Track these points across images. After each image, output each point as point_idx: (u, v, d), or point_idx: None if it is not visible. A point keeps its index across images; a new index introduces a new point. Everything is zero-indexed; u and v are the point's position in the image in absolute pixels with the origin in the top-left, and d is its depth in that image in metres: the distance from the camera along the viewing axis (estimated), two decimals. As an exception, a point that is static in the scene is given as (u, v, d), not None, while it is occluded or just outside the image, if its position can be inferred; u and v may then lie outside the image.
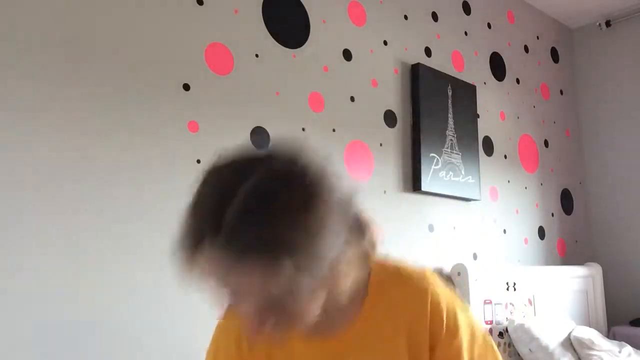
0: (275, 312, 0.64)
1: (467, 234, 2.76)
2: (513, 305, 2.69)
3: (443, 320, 0.77)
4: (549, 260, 3.26)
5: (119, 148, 1.66)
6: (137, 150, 1.69)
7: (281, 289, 0.61)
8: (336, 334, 0.76)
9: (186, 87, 1.84)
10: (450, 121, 2.72)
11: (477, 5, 3.08)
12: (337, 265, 0.66)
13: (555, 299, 2.93)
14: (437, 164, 2.60)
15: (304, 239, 0.61)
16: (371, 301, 0.78)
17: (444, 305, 0.78)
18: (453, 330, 0.78)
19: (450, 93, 2.74)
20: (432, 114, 2.64)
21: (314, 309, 0.67)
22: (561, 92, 3.65)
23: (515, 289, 2.72)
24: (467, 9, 3.02)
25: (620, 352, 2.68)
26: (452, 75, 2.80)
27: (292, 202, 0.61)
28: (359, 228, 0.71)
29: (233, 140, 1.89)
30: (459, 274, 2.52)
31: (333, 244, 0.64)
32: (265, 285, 0.61)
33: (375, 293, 0.79)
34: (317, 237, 0.61)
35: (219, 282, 0.64)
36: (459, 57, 2.91)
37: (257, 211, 0.60)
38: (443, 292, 0.80)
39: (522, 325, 2.55)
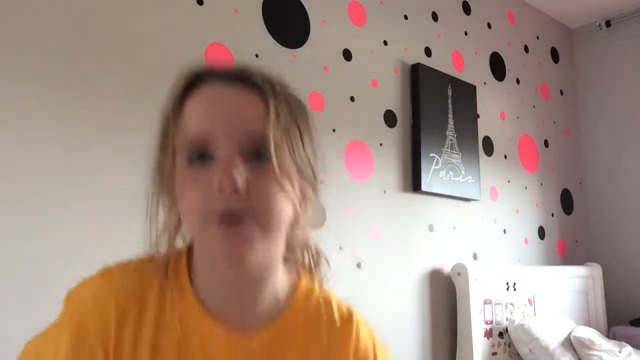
0: (259, 180, 0.58)
1: (467, 234, 2.76)
2: (513, 305, 2.69)
3: (369, 354, 0.71)
4: (549, 260, 3.26)
5: (118, 148, 1.66)
6: (137, 151, 1.69)
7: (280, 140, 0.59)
8: (255, 334, 0.65)
9: (186, 87, 1.83)
10: (450, 121, 2.72)
11: (477, 5, 3.08)
12: (304, 210, 0.63)
13: (555, 299, 2.93)
14: (437, 164, 2.60)
15: (313, 144, 0.65)
16: (295, 307, 0.69)
17: (370, 339, 0.73)
18: None
19: (450, 93, 2.74)
20: (432, 114, 2.64)
21: (283, 219, 0.60)
22: (561, 92, 3.65)
23: (515, 289, 2.72)
24: (467, 9, 3.02)
25: (620, 352, 2.68)
26: (452, 75, 2.80)
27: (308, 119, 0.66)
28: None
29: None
30: (459, 274, 2.52)
31: (320, 167, 0.66)
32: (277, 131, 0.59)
33: (301, 300, 0.69)
34: (316, 157, 0.65)
35: (221, 111, 0.60)
36: (459, 57, 2.91)
37: (287, 92, 0.64)
38: (369, 327, 0.74)
39: (522, 325, 2.55)
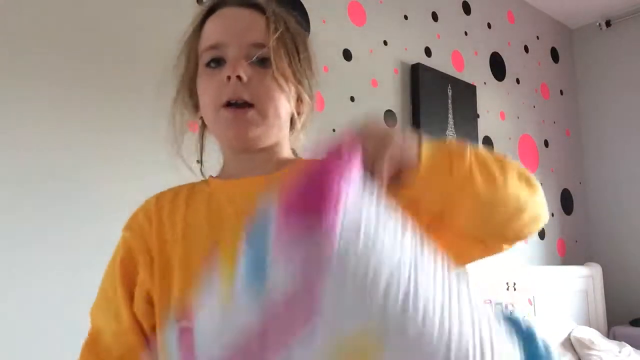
0: (259, 77, 0.71)
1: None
2: (513, 305, 2.69)
3: None
4: (549, 260, 3.26)
5: (118, 148, 1.66)
6: (137, 151, 1.69)
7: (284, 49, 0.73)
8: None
9: (186, 87, 1.83)
10: (450, 121, 2.72)
11: (477, 5, 3.08)
12: (302, 107, 0.77)
13: (555, 299, 2.93)
14: (437, 164, 2.60)
15: (310, 55, 0.78)
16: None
17: None
18: None
19: (450, 93, 2.74)
20: (432, 114, 2.64)
21: (280, 110, 0.73)
22: (561, 92, 3.65)
23: (515, 289, 2.72)
24: (467, 9, 3.02)
25: (620, 352, 2.68)
26: (452, 75, 2.80)
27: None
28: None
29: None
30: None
31: (315, 81, 0.78)
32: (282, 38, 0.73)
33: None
34: (314, 62, 0.79)
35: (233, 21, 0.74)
36: (459, 57, 2.91)
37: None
38: None
39: (522, 325, 2.54)
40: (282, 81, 0.72)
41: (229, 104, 0.71)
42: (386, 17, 2.57)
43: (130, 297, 0.71)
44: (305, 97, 0.76)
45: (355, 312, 0.46)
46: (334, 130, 2.25)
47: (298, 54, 0.75)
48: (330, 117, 2.25)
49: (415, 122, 2.58)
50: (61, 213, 1.54)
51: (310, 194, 0.49)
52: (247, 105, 0.71)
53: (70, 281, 1.51)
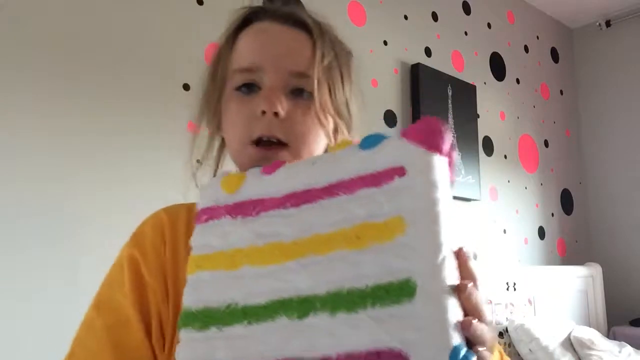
0: (299, 106, 0.63)
1: (467, 234, 2.76)
2: (513, 305, 2.69)
3: None
4: (549, 260, 3.26)
5: (118, 149, 1.66)
6: (136, 151, 1.69)
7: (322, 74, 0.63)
8: None
9: (186, 87, 1.83)
10: (451, 121, 2.72)
11: (477, 5, 3.08)
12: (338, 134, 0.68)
13: (555, 299, 2.93)
14: (437, 164, 2.60)
15: (350, 80, 0.69)
16: None
17: None
18: None
19: (450, 93, 2.74)
20: (432, 114, 2.64)
21: (314, 148, 0.64)
22: (561, 92, 3.65)
23: (515, 289, 2.72)
24: (467, 9, 3.02)
25: (620, 352, 2.68)
26: (452, 75, 2.80)
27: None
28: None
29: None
30: (459, 274, 2.51)
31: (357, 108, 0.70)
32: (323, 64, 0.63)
33: None
34: (353, 99, 0.69)
35: (274, 39, 0.64)
36: (459, 57, 2.91)
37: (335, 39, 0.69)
38: None
39: (522, 325, 2.55)
40: (322, 117, 0.63)
41: (259, 141, 0.61)
42: (386, 17, 2.57)
43: (147, 327, 0.60)
44: (344, 132, 0.67)
45: None
46: (334, 130, 2.25)
47: (342, 81, 0.67)
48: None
49: (415, 122, 2.58)
50: (60, 217, 1.54)
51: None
52: (280, 143, 0.61)
53: (70, 281, 1.51)
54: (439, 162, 0.48)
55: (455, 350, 0.41)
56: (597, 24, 3.66)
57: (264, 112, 0.60)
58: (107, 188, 1.62)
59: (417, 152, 0.49)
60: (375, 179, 0.49)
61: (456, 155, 0.47)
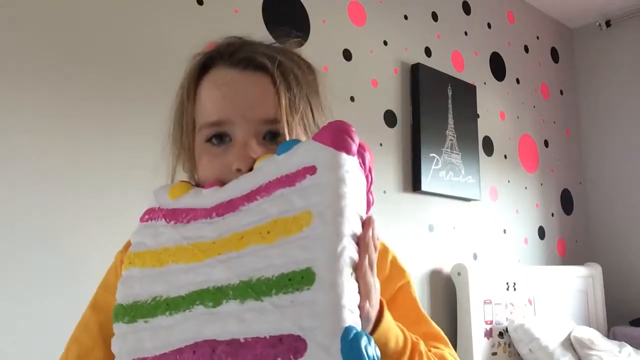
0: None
1: (467, 234, 2.76)
2: (513, 305, 2.69)
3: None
4: (549, 260, 3.26)
5: (118, 149, 1.66)
6: (136, 151, 1.69)
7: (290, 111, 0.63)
8: None
9: (186, 87, 1.83)
10: (450, 121, 2.72)
11: (477, 5, 3.08)
12: None
13: (555, 299, 2.93)
14: (437, 164, 2.60)
15: (319, 99, 0.70)
16: None
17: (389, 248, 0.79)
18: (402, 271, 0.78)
19: (450, 93, 2.74)
20: (432, 114, 2.64)
21: None
22: (561, 92, 3.65)
23: (515, 289, 2.72)
24: (467, 9, 3.02)
25: (620, 352, 2.68)
26: (452, 75, 2.79)
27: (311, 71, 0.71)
28: None
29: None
30: (459, 274, 2.52)
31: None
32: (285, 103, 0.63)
33: None
34: (326, 104, 0.71)
35: (237, 89, 0.64)
36: (459, 57, 2.91)
37: (295, 59, 0.68)
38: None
39: (522, 325, 2.55)
40: None
41: None
42: (386, 17, 2.57)
43: None
44: None
45: None
46: (334, 130, 2.25)
47: (312, 111, 0.68)
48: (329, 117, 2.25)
49: (415, 122, 2.58)
50: (63, 216, 1.54)
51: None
52: None
53: (70, 282, 1.51)
54: (348, 161, 0.53)
55: (346, 331, 0.44)
56: (597, 24, 3.66)
57: (239, 170, 0.60)
58: (107, 189, 1.62)
59: (326, 152, 0.53)
60: (290, 179, 0.53)
61: (368, 155, 0.56)
